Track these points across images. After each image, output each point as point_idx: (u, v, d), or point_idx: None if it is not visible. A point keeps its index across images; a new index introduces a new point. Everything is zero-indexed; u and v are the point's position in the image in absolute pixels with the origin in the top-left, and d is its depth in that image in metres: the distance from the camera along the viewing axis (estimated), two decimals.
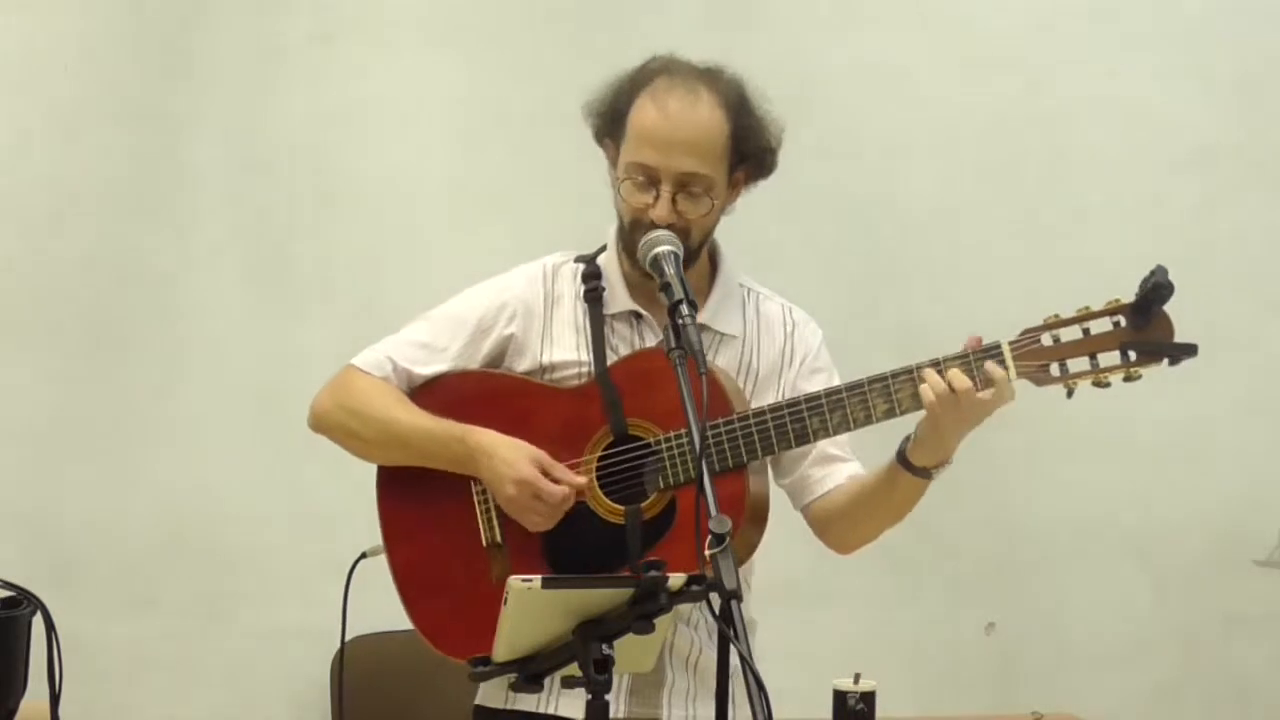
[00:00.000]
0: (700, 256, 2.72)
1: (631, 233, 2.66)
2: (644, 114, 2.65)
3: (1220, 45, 4.38)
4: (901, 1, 4.35)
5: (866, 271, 4.26)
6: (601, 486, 2.65)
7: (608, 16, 4.11)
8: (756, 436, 2.58)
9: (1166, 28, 4.38)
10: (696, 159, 2.62)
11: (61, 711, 2.67)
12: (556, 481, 2.62)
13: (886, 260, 4.29)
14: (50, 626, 2.64)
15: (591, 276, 2.76)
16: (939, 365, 2.53)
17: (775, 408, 2.60)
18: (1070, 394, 2.52)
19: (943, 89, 4.30)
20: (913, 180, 4.30)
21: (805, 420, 2.58)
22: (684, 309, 2.35)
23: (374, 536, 2.81)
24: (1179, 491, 4.34)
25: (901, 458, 2.59)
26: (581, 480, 2.63)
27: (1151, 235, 4.26)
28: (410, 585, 2.75)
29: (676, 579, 2.12)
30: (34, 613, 2.64)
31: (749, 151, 2.70)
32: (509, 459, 2.63)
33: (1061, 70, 4.34)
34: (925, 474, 2.59)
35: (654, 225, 2.60)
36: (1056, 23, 4.34)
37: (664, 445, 2.61)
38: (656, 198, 2.62)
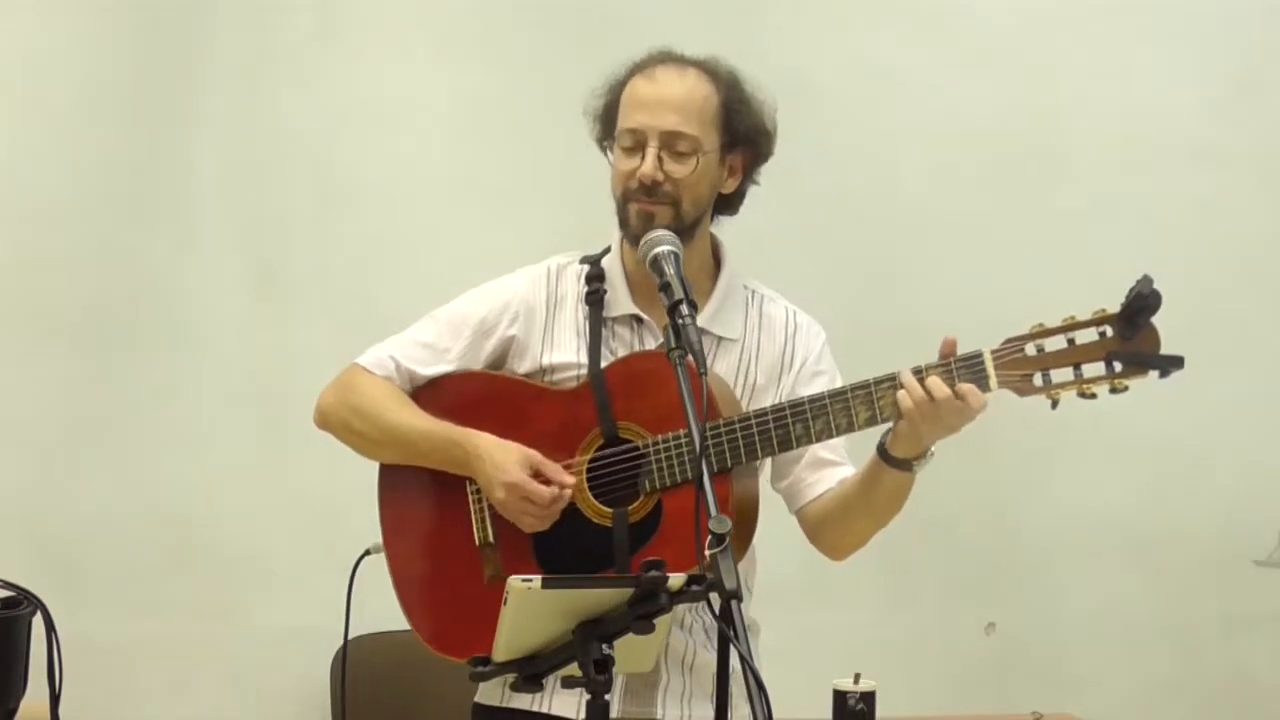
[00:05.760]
0: (697, 238, 2.72)
1: (624, 205, 2.69)
2: (633, 87, 2.71)
3: (1220, 45, 4.38)
4: (901, 1, 4.36)
5: (866, 271, 4.26)
6: (591, 488, 2.66)
7: (607, 16, 4.11)
8: (741, 442, 2.59)
9: (1167, 27, 4.38)
10: (681, 117, 2.66)
11: (61, 711, 2.67)
12: (548, 481, 2.62)
13: (886, 260, 4.29)
14: (50, 626, 2.64)
15: (595, 278, 2.77)
16: (920, 373, 2.53)
17: (760, 413, 2.60)
18: (1054, 405, 2.51)
19: (943, 89, 4.30)
20: (913, 180, 4.30)
21: (789, 426, 2.59)
22: (684, 309, 2.35)
23: (374, 536, 2.81)
24: (1179, 492, 4.34)
25: (882, 452, 2.60)
26: (570, 480, 2.64)
27: (1151, 235, 4.26)
28: (406, 583, 2.76)
29: (676, 579, 2.12)
30: (34, 613, 2.63)
31: (742, 131, 2.72)
32: (499, 462, 2.64)
33: (1062, 70, 4.34)
34: (907, 466, 2.59)
35: (643, 190, 2.64)
36: (1057, 22, 4.34)
37: (652, 449, 2.62)
38: (644, 159, 2.65)
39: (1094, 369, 2.49)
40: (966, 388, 2.50)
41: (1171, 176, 4.35)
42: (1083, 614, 4.35)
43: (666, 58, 2.73)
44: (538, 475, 2.63)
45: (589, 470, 2.67)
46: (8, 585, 2.64)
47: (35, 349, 4.04)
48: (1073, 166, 4.36)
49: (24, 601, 2.63)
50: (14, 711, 2.64)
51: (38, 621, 2.64)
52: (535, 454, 2.65)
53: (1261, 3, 4.42)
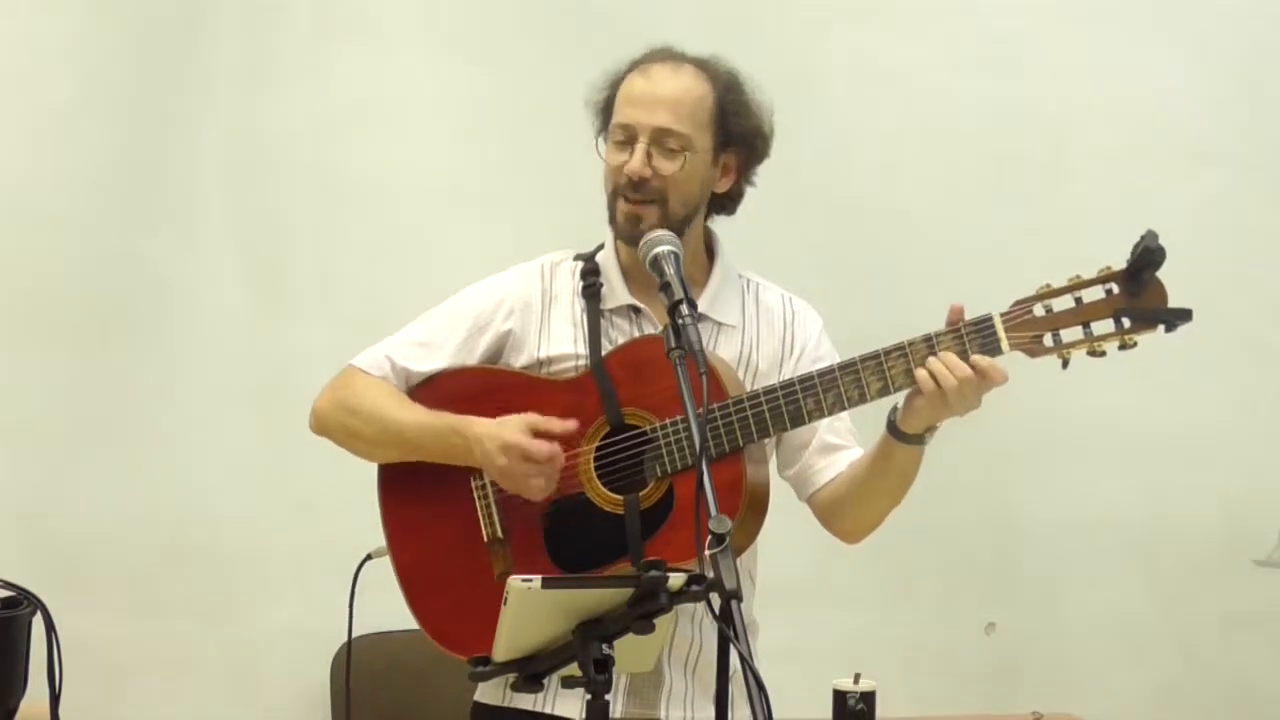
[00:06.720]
0: (689, 235, 2.72)
1: (612, 200, 2.70)
2: (629, 83, 2.73)
3: (1220, 45, 4.38)
4: (901, 1, 4.36)
5: (866, 271, 4.26)
6: (600, 476, 2.65)
7: (607, 16, 4.11)
8: (752, 419, 2.58)
9: (1167, 27, 4.38)
10: (673, 115, 2.67)
11: (61, 711, 2.67)
12: (550, 434, 2.61)
13: (886, 260, 4.29)
14: (50, 626, 2.64)
15: (590, 273, 2.78)
16: (930, 340, 2.53)
17: (769, 390, 2.60)
18: (1065, 364, 2.50)
19: (942, 88, 4.30)
20: (912, 179, 4.30)
21: (800, 401, 2.58)
22: (684, 309, 2.35)
23: (375, 536, 2.81)
24: (1179, 491, 4.34)
25: (892, 428, 2.60)
26: (571, 424, 2.63)
27: None
28: (413, 584, 2.75)
29: (676, 579, 2.12)
30: (34, 613, 2.63)
31: (737, 132, 2.73)
32: (495, 434, 2.63)
33: (1061, 70, 4.34)
34: (919, 440, 2.59)
35: (630, 186, 2.65)
36: (1057, 22, 4.34)
37: (660, 433, 2.61)
38: (632, 154, 2.66)
39: (1103, 327, 2.49)
40: (985, 363, 2.50)
41: (1171, 176, 4.35)
42: (1083, 614, 4.35)
43: (665, 55, 2.74)
44: (538, 433, 2.62)
45: (596, 458, 2.66)
46: (8, 585, 2.64)
47: (35, 349, 4.03)
48: (1073, 166, 4.36)
49: (24, 601, 2.63)
50: (14, 711, 2.64)
51: (38, 621, 2.64)
52: (533, 414, 2.63)
53: (1261, 3, 4.42)
